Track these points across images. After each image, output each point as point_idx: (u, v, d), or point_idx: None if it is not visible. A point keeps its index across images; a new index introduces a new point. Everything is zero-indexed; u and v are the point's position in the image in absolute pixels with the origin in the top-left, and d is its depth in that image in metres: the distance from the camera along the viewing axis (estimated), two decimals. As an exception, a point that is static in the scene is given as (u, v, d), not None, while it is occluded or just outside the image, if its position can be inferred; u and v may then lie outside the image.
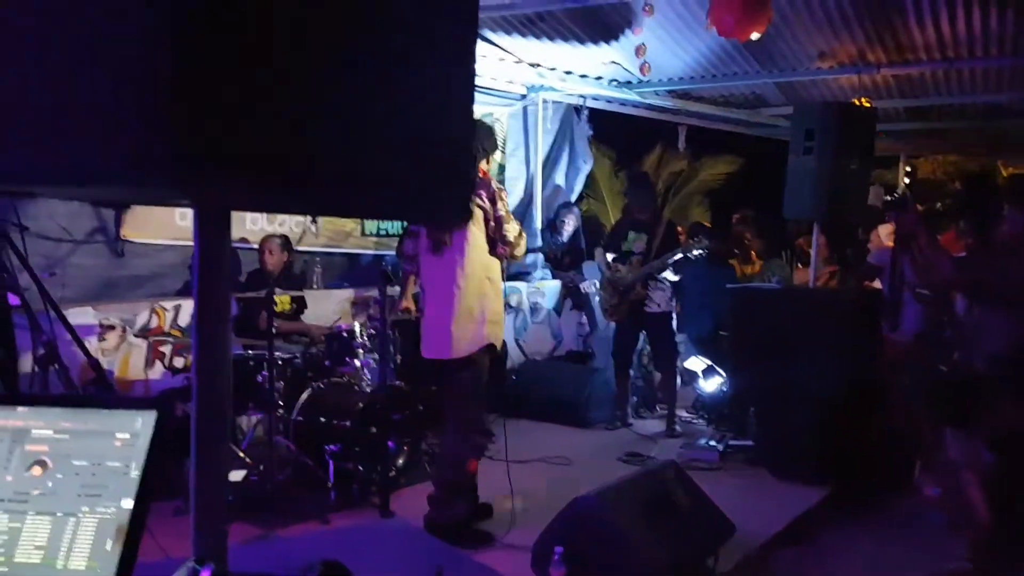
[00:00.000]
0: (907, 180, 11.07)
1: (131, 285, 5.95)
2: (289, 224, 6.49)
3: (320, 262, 6.57)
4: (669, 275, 5.94)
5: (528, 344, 7.37)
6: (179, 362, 5.24)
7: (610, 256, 6.18)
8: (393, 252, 6.62)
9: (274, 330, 4.22)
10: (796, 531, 4.17)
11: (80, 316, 4.65)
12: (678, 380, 6.26)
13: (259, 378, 4.35)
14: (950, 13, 5.64)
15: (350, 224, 7.21)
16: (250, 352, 4.47)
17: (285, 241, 5.41)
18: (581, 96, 8.14)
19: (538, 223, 8.00)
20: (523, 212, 8.00)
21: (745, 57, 6.91)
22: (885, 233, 5.72)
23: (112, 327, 4.96)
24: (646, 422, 6.42)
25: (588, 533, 3.09)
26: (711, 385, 6.35)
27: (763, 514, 4.21)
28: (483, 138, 3.83)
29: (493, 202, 3.75)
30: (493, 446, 4.16)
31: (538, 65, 7.20)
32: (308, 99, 0.88)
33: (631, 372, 6.36)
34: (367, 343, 4.82)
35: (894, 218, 4.19)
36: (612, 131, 9.95)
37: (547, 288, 7.67)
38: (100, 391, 3.97)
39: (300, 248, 4.98)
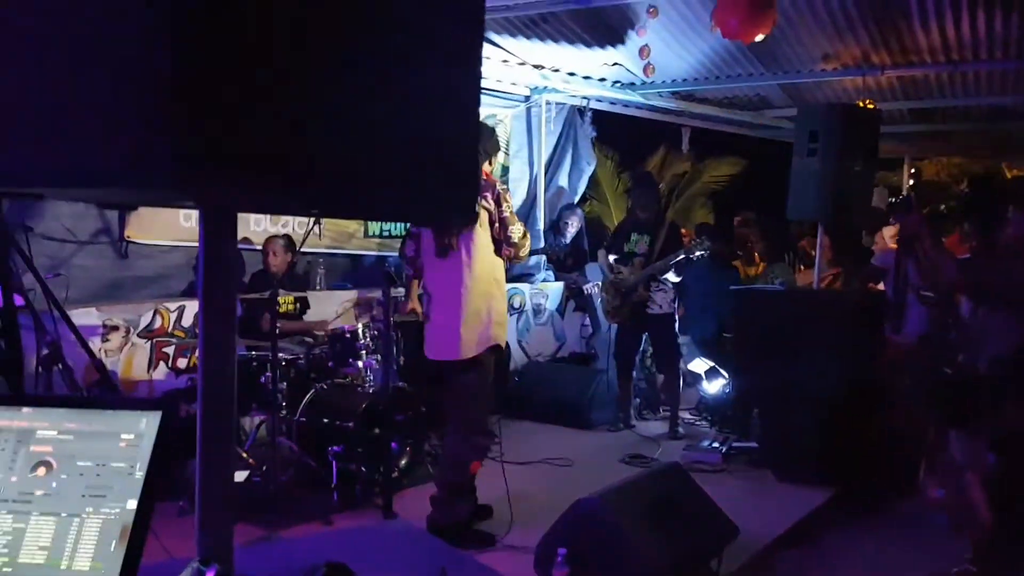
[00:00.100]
0: (911, 182, 11.05)
1: (135, 286, 5.96)
2: (292, 225, 6.50)
3: (323, 263, 6.57)
4: (671, 276, 5.93)
5: (531, 345, 7.36)
6: (182, 363, 5.25)
7: (612, 258, 6.17)
8: (396, 253, 6.63)
9: (277, 331, 4.22)
10: (800, 533, 4.17)
11: (84, 317, 4.66)
12: (681, 382, 6.26)
13: (262, 379, 4.35)
14: (954, 16, 5.63)
15: (353, 225, 7.22)
16: (253, 353, 4.47)
17: (288, 242, 5.41)
18: (585, 97, 8.14)
19: (541, 224, 8.00)
20: (526, 213, 8.00)
21: (749, 59, 6.90)
22: (889, 235, 5.71)
23: (116, 328, 4.97)
24: (649, 424, 6.42)
25: (591, 535, 3.09)
26: (714, 387, 6.34)
27: (766, 516, 4.20)
28: (484, 140, 3.84)
29: (498, 203, 3.77)
30: (495, 447, 4.16)
31: (542, 67, 7.20)
32: (309, 99, 0.88)
33: (634, 374, 6.35)
34: (370, 344, 4.82)
35: (898, 220, 4.19)
36: (615, 133, 9.93)
37: (550, 289, 7.67)
38: (104, 392, 3.98)
39: (303, 249, 4.97)
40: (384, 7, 0.96)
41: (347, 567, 1.25)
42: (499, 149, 4.69)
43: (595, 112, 8.43)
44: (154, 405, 1.18)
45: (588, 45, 6.60)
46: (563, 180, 8.40)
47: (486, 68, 6.81)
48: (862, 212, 5.26)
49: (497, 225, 3.78)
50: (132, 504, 1.12)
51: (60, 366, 3.65)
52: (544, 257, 7.70)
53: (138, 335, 5.07)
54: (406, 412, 4.60)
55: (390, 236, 7.48)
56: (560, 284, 7.72)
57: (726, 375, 6.22)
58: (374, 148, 0.96)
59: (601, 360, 6.96)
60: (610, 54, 6.77)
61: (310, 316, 5.54)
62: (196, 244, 1.11)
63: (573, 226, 7.61)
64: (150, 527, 1.12)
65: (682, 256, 5.78)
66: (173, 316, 5.23)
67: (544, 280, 7.78)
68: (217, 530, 1.13)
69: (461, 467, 3.82)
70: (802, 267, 7.25)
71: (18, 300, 3.60)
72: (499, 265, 3.85)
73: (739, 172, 12.34)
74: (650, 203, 6.19)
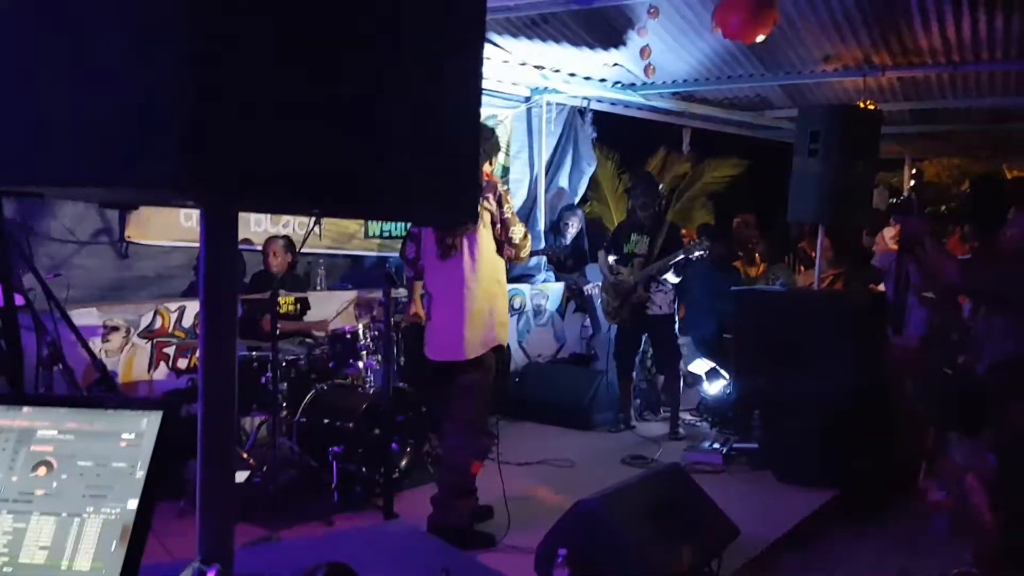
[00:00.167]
0: (912, 183, 11.04)
1: (136, 286, 5.95)
2: (293, 225, 6.50)
3: (323, 264, 6.57)
4: (671, 277, 5.93)
5: (531, 346, 7.36)
6: (183, 363, 5.24)
7: (612, 258, 6.17)
8: (396, 254, 6.63)
9: (278, 331, 4.22)
10: (800, 534, 4.16)
11: (84, 317, 4.65)
12: (681, 383, 6.25)
13: (263, 379, 4.35)
14: (955, 16, 5.63)
15: (353, 226, 7.21)
16: (254, 354, 4.47)
17: (288, 243, 5.41)
18: (585, 98, 8.14)
19: (542, 225, 8.00)
20: (527, 214, 8.00)
21: (750, 59, 6.90)
22: (889, 236, 5.70)
23: (116, 328, 4.96)
24: (649, 425, 6.41)
25: (591, 536, 3.09)
26: (715, 388, 6.34)
27: (767, 517, 4.20)
28: (484, 140, 3.85)
29: (500, 204, 3.78)
30: (493, 448, 4.16)
31: (542, 67, 7.19)
32: (311, 99, 0.88)
33: (634, 375, 6.35)
34: (371, 345, 4.82)
35: (899, 221, 4.18)
36: (616, 133, 9.93)
37: (550, 290, 7.67)
38: (105, 392, 3.97)
39: (304, 250, 4.97)
40: (386, 8, 0.96)
41: (349, 567, 1.25)
42: (499, 149, 4.69)
43: (596, 113, 8.43)
44: (155, 405, 1.18)
45: (589, 46, 6.60)
46: (563, 181, 8.39)
47: (486, 68, 6.81)
48: (862, 213, 5.26)
49: (499, 226, 3.80)
50: (133, 504, 1.11)
51: (60, 366, 3.64)
52: (544, 258, 7.70)
53: (139, 335, 5.07)
54: (407, 413, 4.60)
55: (390, 237, 7.48)
56: (560, 285, 7.71)
57: (727, 376, 6.21)
58: (376, 148, 0.96)
59: (601, 361, 6.95)
60: (611, 55, 6.77)
61: (311, 317, 5.54)
62: (197, 244, 1.10)
63: (573, 227, 7.61)
64: (151, 527, 1.11)
65: (681, 256, 5.78)
66: (174, 316, 5.23)
67: (544, 281, 7.78)
68: (218, 530, 1.13)
69: (462, 467, 3.83)
70: (802, 268, 7.24)
71: (18, 300, 3.59)
72: (501, 266, 3.88)
73: (740, 173, 12.33)
74: (650, 203, 6.19)
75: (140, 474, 1.13)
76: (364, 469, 4.30)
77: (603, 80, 7.64)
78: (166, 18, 0.77)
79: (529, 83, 7.73)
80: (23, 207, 5.07)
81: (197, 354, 1.51)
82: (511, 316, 6.73)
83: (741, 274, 6.86)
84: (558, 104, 8.20)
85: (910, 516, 4.45)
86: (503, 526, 3.84)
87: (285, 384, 4.48)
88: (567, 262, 7.62)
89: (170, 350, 5.22)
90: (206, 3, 0.78)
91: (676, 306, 6.23)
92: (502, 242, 3.83)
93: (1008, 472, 3.44)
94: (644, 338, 6.30)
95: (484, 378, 3.84)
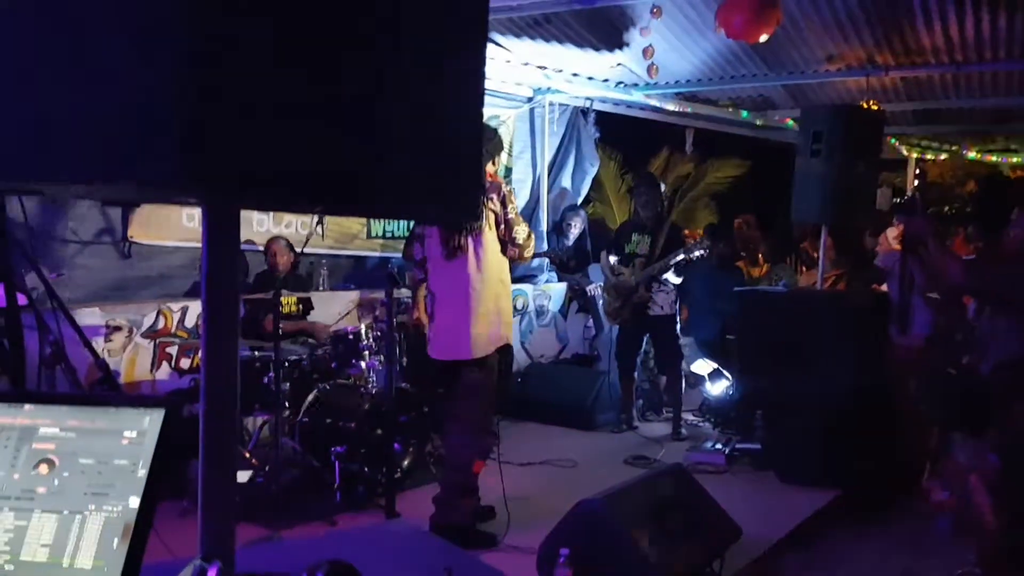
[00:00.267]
0: (916, 183, 11.01)
1: (138, 286, 5.96)
2: (296, 225, 6.50)
3: (326, 264, 6.57)
4: (672, 278, 5.92)
5: (533, 347, 7.36)
6: (185, 363, 5.25)
7: (613, 259, 6.16)
8: (399, 254, 6.62)
9: (280, 331, 4.22)
10: (803, 535, 4.16)
11: (87, 317, 4.66)
12: (683, 383, 6.25)
13: (265, 379, 4.36)
14: (959, 16, 5.62)
15: (356, 226, 7.21)
16: (257, 353, 4.48)
17: (289, 243, 5.43)
18: (588, 98, 8.13)
19: (544, 226, 7.99)
20: (529, 215, 7.99)
21: (753, 59, 6.89)
22: (892, 236, 5.69)
23: (119, 328, 4.97)
24: (652, 425, 6.41)
25: (594, 536, 3.09)
26: (717, 388, 6.33)
27: (769, 518, 4.19)
28: (487, 140, 3.85)
29: (504, 204, 3.79)
30: (496, 448, 4.16)
31: (545, 67, 7.19)
32: (313, 98, 0.88)
33: (636, 375, 6.34)
34: (373, 345, 4.82)
35: (903, 221, 4.17)
36: (619, 133, 9.92)
37: (553, 291, 7.66)
38: (107, 390, 3.98)
39: (306, 250, 4.98)
40: (386, 8, 0.96)
41: (351, 565, 1.25)
42: (502, 150, 4.71)
43: (598, 113, 8.42)
44: (157, 403, 1.18)
45: (592, 46, 6.60)
46: (566, 181, 8.39)
47: (489, 69, 6.79)
48: (866, 213, 5.25)
49: (503, 226, 3.81)
50: (134, 502, 1.11)
51: (63, 366, 3.65)
52: (547, 258, 7.69)
53: (141, 335, 5.07)
54: (409, 413, 4.60)
55: (393, 237, 7.47)
56: (563, 285, 7.71)
57: (729, 376, 6.21)
58: (376, 148, 0.96)
59: (604, 361, 6.95)
60: (614, 55, 6.77)
61: (313, 317, 5.55)
62: (199, 244, 1.11)
63: (576, 227, 7.60)
64: (153, 525, 1.11)
65: (681, 256, 5.76)
66: (176, 316, 5.23)
67: (547, 281, 7.77)
68: (219, 530, 1.13)
69: (464, 467, 3.83)
70: (804, 268, 7.23)
71: (21, 299, 3.60)
72: (506, 266, 3.91)
73: (743, 173, 12.31)
74: (652, 203, 6.18)
75: (142, 472, 1.13)
76: (366, 469, 4.31)
77: (606, 80, 7.63)
78: (166, 18, 0.77)
79: (532, 83, 7.73)
80: (28, 207, 5.08)
81: (200, 354, 1.51)
82: (513, 317, 6.73)
83: (744, 275, 6.85)
84: (561, 104, 8.20)
85: (913, 516, 4.44)
86: (505, 526, 3.84)
87: (288, 384, 4.49)
88: (570, 263, 7.62)
89: (173, 350, 5.23)
90: (206, 3, 0.78)
91: (678, 307, 6.22)
92: (506, 242, 3.84)
93: (1012, 473, 3.43)
94: (645, 338, 6.30)
95: (488, 378, 3.85)
